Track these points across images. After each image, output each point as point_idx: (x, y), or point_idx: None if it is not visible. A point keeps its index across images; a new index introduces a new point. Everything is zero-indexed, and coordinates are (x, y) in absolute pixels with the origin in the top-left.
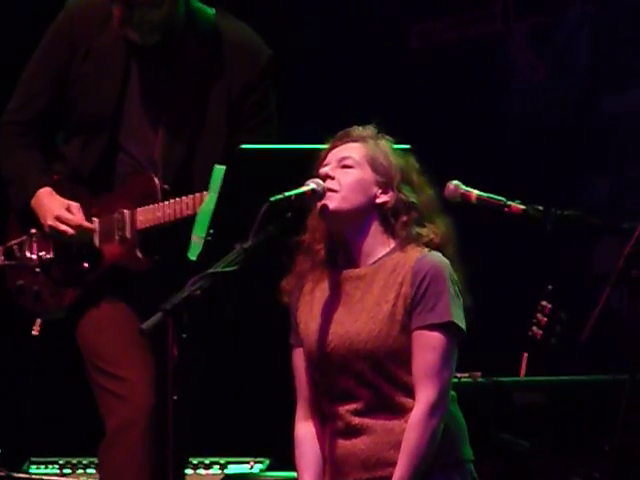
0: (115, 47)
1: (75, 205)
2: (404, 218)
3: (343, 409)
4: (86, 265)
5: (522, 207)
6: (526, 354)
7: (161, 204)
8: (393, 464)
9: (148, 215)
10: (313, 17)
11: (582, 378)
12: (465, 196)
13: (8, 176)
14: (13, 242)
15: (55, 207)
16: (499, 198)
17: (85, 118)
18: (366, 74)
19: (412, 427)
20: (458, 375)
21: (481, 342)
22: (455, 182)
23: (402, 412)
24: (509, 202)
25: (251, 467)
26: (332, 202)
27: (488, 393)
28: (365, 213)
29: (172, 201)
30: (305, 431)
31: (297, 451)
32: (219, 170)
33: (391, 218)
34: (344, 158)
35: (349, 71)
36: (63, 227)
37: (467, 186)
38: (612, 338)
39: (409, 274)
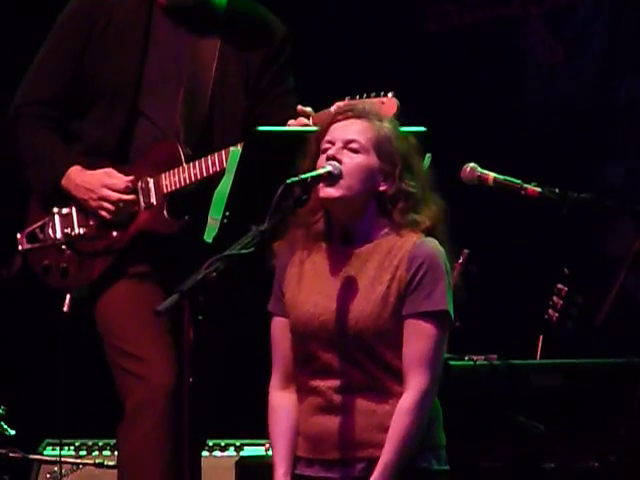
0: (135, 15)
1: (112, 170)
2: (401, 205)
3: (325, 385)
4: (115, 234)
5: (538, 190)
6: (542, 337)
7: (185, 166)
8: (375, 445)
9: (173, 178)
10: (329, 0)
11: (598, 361)
12: (482, 179)
13: (30, 158)
14: (34, 226)
15: (99, 178)
16: (516, 181)
17: (107, 88)
18: (383, 57)
19: (402, 413)
20: (474, 358)
21: (497, 325)
22: (472, 165)
23: (386, 395)
24: (526, 185)
25: (267, 449)
26: (337, 189)
27: (504, 376)
28: (365, 199)
29: (197, 161)
30: (281, 400)
31: (271, 420)
32: (235, 152)
33: (389, 205)
34: (351, 141)
35: (366, 54)
36: (109, 192)
37: (484, 169)
38: (628, 321)
39: (405, 258)
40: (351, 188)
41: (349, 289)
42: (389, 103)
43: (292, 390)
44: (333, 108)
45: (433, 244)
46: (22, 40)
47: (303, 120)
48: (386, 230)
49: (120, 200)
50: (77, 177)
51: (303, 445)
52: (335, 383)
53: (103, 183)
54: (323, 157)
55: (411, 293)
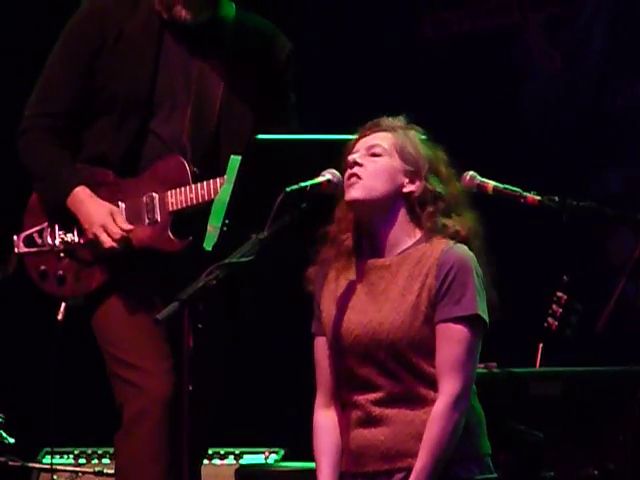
0: (147, 30)
1: (117, 211)
2: (430, 208)
3: (363, 398)
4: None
5: (538, 198)
6: (541, 345)
7: (193, 185)
8: (413, 455)
9: (180, 197)
10: (326, 6)
11: (597, 369)
12: (481, 187)
13: (40, 173)
14: (32, 230)
15: (102, 216)
16: (515, 189)
17: (117, 100)
18: (380, 64)
19: (435, 419)
20: None
21: (497, 333)
22: (471, 173)
23: (423, 403)
24: (525, 193)
25: (266, 457)
26: (356, 190)
27: (503, 384)
28: (392, 202)
29: (205, 182)
30: (325, 419)
31: (316, 438)
32: (235, 160)
33: (417, 208)
34: (373, 146)
35: (363, 61)
36: (105, 237)
37: (483, 177)
38: (628, 329)
39: (434, 265)
40: (373, 189)
41: (380, 302)
42: None
43: (336, 408)
44: None
45: (461, 249)
46: (27, 45)
47: None
48: (416, 239)
49: (111, 247)
50: (84, 200)
51: (346, 460)
52: (373, 396)
53: (102, 222)
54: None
55: (441, 299)
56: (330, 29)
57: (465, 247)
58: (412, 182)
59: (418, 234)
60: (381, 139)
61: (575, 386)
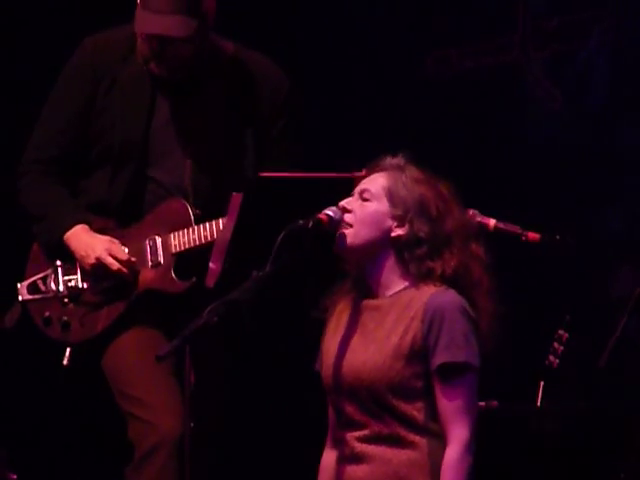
0: (140, 77)
1: (116, 241)
2: (417, 252)
3: (349, 435)
4: (119, 292)
5: (539, 235)
6: (542, 383)
7: (195, 227)
8: None
9: (182, 239)
10: (328, 45)
11: (598, 406)
12: (482, 224)
13: (39, 213)
14: (36, 277)
15: (103, 242)
16: (516, 226)
17: (112, 149)
18: (382, 102)
19: (450, 467)
20: None
21: (498, 371)
22: (472, 210)
23: (402, 445)
24: (526, 230)
25: None
26: (346, 237)
27: (504, 422)
28: (380, 246)
29: (207, 223)
30: (327, 459)
31: (319, 478)
32: (236, 197)
33: (406, 252)
34: (363, 191)
35: (364, 99)
36: (111, 260)
37: (484, 214)
38: (629, 365)
39: (421, 309)
40: (358, 235)
41: (368, 342)
42: None
43: (334, 447)
44: None
45: (449, 294)
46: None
47: None
48: (407, 282)
49: (118, 270)
50: (82, 234)
51: None
52: (357, 433)
53: (106, 247)
54: None
55: (434, 346)
56: (329, 68)
57: (453, 292)
58: (400, 226)
59: (409, 278)
60: (371, 182)
61: (576, 424)
